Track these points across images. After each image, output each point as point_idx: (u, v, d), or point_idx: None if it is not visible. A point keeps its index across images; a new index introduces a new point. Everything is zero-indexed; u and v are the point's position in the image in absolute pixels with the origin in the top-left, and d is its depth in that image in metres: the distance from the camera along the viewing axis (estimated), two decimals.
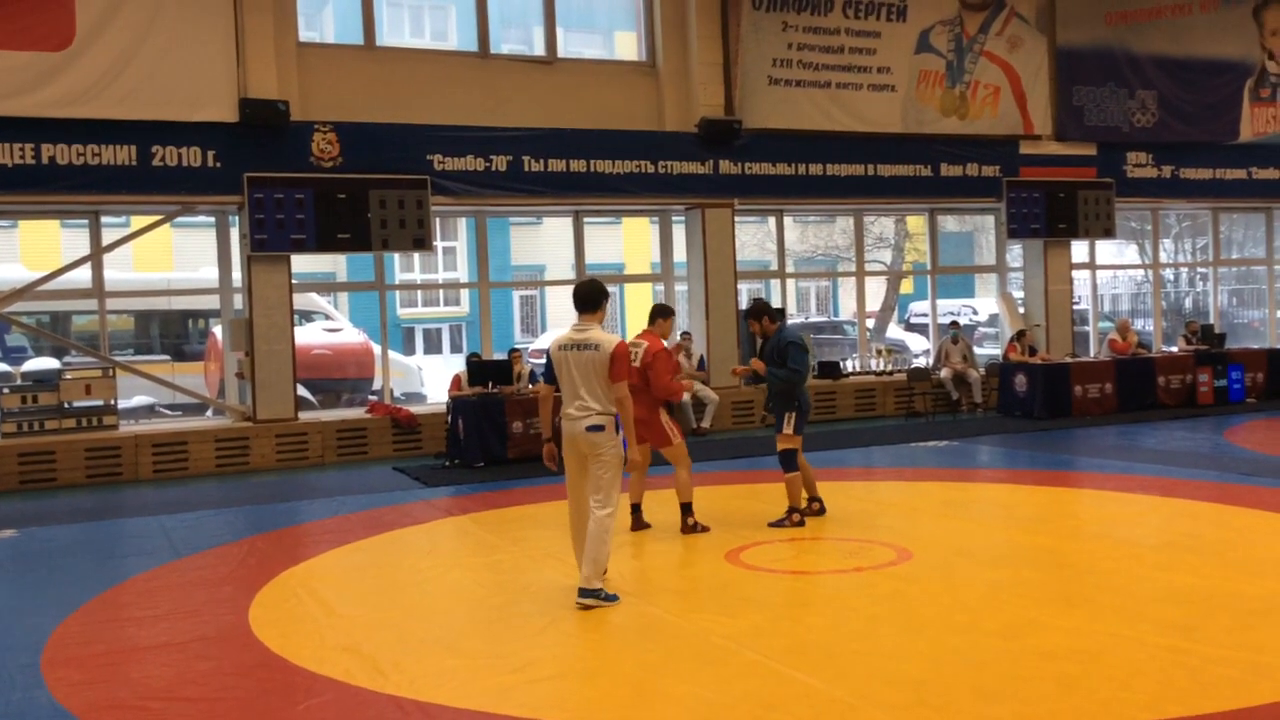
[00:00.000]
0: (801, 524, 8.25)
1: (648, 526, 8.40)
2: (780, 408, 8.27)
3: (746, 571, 7.06)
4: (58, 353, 16.37)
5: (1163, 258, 22.47)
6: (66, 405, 12.75)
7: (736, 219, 15.75)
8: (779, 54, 15.55)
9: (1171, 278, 26.50)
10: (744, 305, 16.30)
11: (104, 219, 13.55)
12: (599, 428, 6.30)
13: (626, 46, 16.62)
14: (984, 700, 4.61)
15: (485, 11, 14.75)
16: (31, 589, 7.39)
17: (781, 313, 8.24)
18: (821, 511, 8.60)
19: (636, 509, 8.43)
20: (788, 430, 8.22)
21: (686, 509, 8.23)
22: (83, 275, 13.36)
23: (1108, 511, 8.89)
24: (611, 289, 26.67)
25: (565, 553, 7.32)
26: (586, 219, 15.94)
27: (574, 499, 6.55)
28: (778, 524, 8.27)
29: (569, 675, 5.26)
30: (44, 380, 13.20)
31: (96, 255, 13.23)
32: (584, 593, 6.28)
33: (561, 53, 15.31)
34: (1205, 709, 4.41)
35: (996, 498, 9.94)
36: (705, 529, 8.18)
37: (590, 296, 6.49)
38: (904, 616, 5.88)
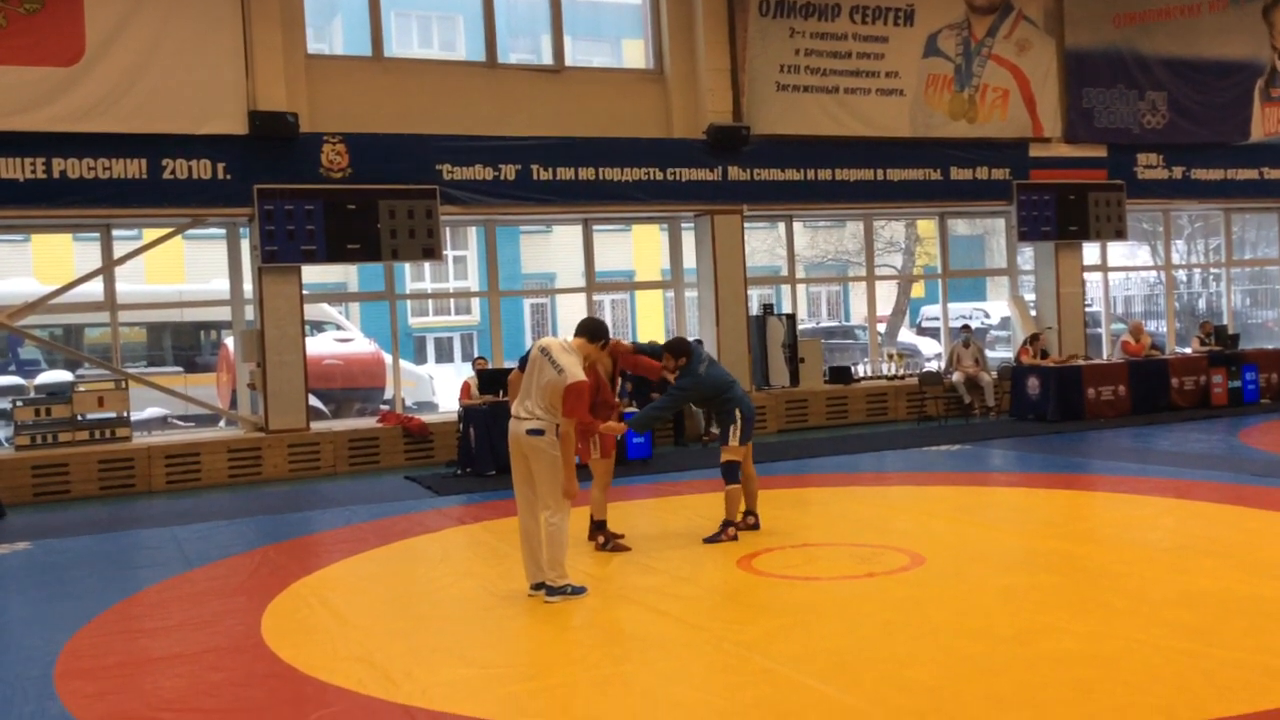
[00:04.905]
0: (735, 538, 8.09)
1: None
2: (723, 422, 8.30)
3: (758, 578, 7.05)
4: (71, 365, 16.44)
5: (1175, 259, 22.35)
6: (80, 418, 12.80)
7: (746, 225, 15.74)
8: (786, 60, 15.55)
9: (1184, 279, 26.39)
10: (755, 311, 16.31)
11: (115, 232, 13.60)
12: (539, 432, 6.62)
13: (634, 54, 16.64)
14: (998, 706, 4.59)
15: (493, 21, 14.79)
16: (45, 601, 7.41)
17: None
18: (755, 526, 8.43)
19: None
20: (733, 442, 8.20)
21: None
22: (95, 288, 13.43)
23: (1122, 515, 8.83)
24: (622, 296, 26.29)
25: (578, 560, 7.31)
26: (596, 227, 15.95)
27: (521, 497, 6.81)
28: (712, 539, 8.08)
29: (581, 683, 5.24)
30: (57, 393, 13.29)
31: (108, 268, 13.29)
32: (551, 591, 6.61)
33: (569, 61, 15.35)
34: (1221, 713, 4.37)
35: (1010, 502, 9.89)
36: None
37: (592, 328, 7.10)
38: (917, 622, 5.85)
